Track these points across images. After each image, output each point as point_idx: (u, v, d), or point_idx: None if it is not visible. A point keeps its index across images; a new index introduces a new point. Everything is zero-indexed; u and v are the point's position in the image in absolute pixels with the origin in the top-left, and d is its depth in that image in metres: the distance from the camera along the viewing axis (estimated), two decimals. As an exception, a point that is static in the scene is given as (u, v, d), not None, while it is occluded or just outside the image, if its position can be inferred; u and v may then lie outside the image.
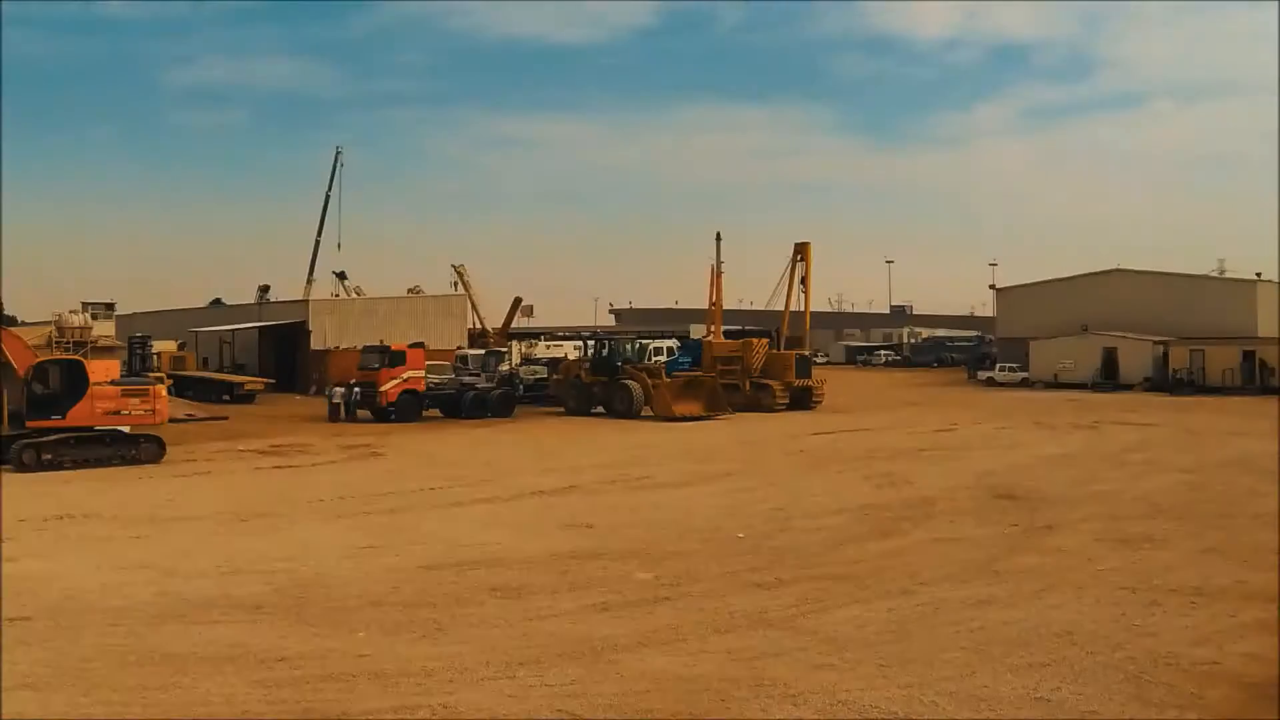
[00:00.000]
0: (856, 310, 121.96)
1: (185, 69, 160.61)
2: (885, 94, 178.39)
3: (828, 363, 79.96)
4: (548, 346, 59.56)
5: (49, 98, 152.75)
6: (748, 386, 43.56)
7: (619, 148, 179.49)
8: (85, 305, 48.60)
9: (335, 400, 39.20)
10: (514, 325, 66.71)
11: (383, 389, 38.10)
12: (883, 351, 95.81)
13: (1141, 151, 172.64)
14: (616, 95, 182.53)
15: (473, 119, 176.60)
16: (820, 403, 44.80)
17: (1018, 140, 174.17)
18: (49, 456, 24.43)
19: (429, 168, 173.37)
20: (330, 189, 67.38)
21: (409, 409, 38.12)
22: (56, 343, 41.05)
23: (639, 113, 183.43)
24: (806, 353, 47.72)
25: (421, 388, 39.09)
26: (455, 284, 66.18)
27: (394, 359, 38.59)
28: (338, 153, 67.82)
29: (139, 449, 25.68)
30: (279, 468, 25.87)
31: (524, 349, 57.99)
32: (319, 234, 67.47)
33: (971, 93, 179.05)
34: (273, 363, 56.64)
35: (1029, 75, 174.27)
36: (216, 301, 70.52)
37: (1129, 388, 56.16)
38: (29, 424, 24.49)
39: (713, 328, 55.04)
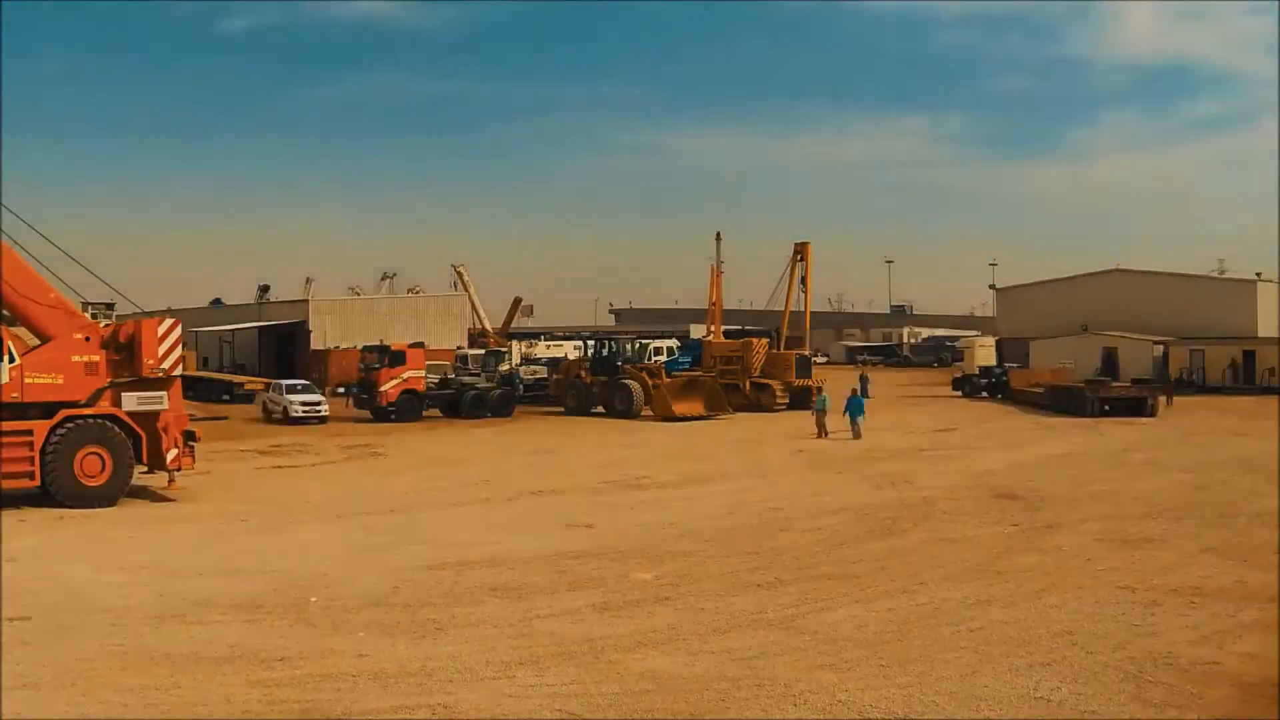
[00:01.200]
0: (856, 310, 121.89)
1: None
2: (1031, 106, 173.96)
3: (828, 363, 79.92)
4: (548, 346, 59.62)
5: (49, 96, 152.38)
6: (748, 386, 43.53)
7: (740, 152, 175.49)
8: (85, 305, 48.51)
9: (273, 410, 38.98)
10: (514, 325, 66.75)
11: (383, 389, 38.11)
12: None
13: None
14: (762, 101, 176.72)
15: (606, 128, 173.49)
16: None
17: (1153, 152, 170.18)
18: (49, 456, 24.36)
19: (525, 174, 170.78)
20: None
21: (409, 409, 38.15)
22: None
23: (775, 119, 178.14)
24: (806, 353, 47.74)
25: (422, 388, 39.10)
26: (455, 284, 66.27)
27: (394, 359, 38.62)
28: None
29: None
30: (279, 468, 25.86)
31: (524, 349, 58.04)
32: None
33: (1124, 105, 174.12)
34: (273, 362, 56.71)
35: (1182, 91, 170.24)
36: (216, 301, 70.64)
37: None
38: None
39: (713, 328, 55.07)
